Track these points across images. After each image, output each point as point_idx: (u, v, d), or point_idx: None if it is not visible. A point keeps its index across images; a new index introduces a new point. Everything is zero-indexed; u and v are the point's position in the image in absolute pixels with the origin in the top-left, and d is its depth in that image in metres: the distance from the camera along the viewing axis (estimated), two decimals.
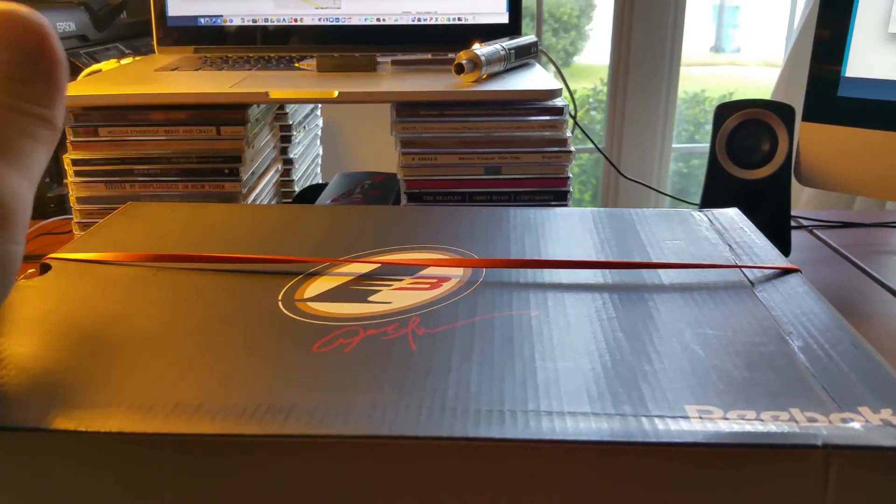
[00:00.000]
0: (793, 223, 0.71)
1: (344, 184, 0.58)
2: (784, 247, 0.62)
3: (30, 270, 0.62)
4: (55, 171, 0.85)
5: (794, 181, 0.61)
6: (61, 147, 0.87)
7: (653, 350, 0.25)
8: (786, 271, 0.31)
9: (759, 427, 0.20)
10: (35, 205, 0.75)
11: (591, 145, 1.80)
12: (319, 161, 0.75)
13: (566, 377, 0.23)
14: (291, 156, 0.63)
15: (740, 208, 0.61)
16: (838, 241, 0.66)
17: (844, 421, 0.21)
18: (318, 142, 0.74)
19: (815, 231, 0.70)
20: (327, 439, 0.20)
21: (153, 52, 0.67)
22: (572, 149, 0.47)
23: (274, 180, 0.60)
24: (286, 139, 0.62)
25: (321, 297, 0.30)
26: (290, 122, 0.62)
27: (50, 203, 0.84)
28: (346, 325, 0.28)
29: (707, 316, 0.27)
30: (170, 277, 0.32)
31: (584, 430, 0.20)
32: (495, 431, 0.20)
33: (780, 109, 0.60)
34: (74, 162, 0.48)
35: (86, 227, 0.51)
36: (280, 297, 0.30)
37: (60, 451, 0.21)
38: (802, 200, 1.23)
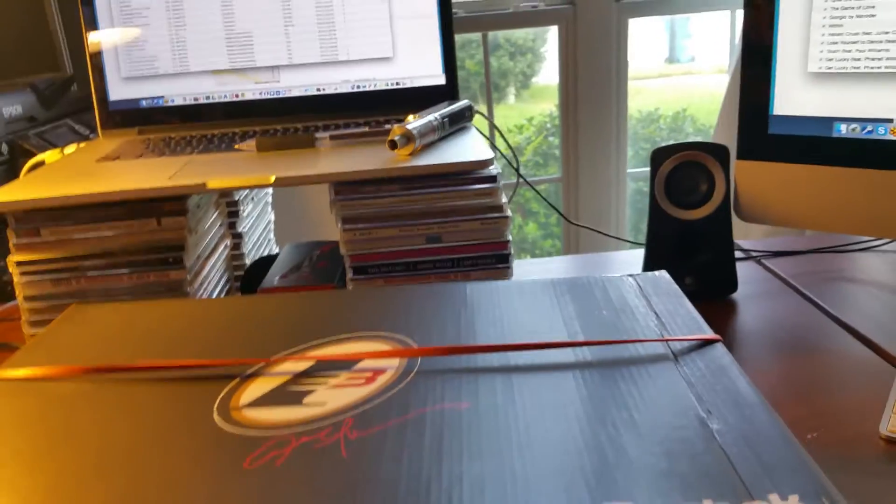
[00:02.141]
0: (741, 254, 0.72)
1: (292, 256, 0.59)
2: (730, 282, 0.64)
3: None
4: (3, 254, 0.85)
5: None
6: (3, 231, 0.86)
7: (573, 441, 0.26)
8: (708, 342, 0.32)
9: None
10: None
11: (550, 174, 1.82)
12: (272, 227, 0.75)
13: (491, 481, 0.24)
14: (240, 230, 0.63)
15: (684, 247, 0.63)
16: (787, 271, 0.68)
17: None
18: (270, 208, 0.75)
19: (762, 261, 0.71)
20: None
21: (82, 143, 0.68)
22: (509, 214, 0.48)
23: (224, 256, 0.60)
24: (234, 214, 0.63)
25: (257, 403, 0.30)
26: (237, 198, 0.63)
27: (7, 286, 0.83)
28: (280, 433, 0.28)
29: (630, 396, 0.28)
30: (109, 392, 0.32)
31: None
32: None
33: (714, 150, 0.62)
34: (19, 263, 0.48)
35: (36, 325, 0.51)
36: (216, 406, 0.30)
37: None
38: (754, 230, 1.25)
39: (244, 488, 0.25)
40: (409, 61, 0.65)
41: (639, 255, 0.73)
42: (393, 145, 0.48)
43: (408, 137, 0.48)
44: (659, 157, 0.63)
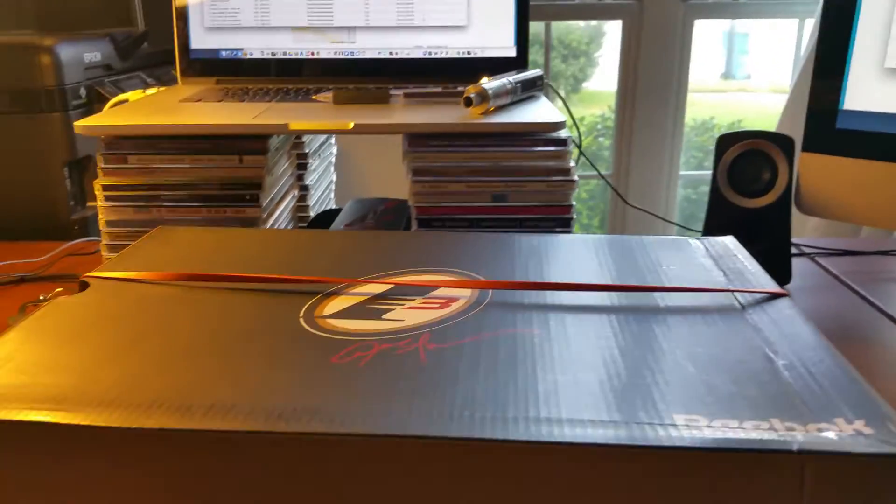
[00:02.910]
0: (795, 251, 0.72)
1: (357, 209, 0.61)
2: (784, 274, 0.64)
3: (57, 290, 0.64)
4: (79, 195, 0.89)
5: (796, 210, 0.63)
6: (86, 171, 0.90)
7: (646, 366, 0.27)
8: (775, 296, 0.33)
9: (740, 434, 0.22)
10: (58, 227, 0.78)
11: (599, 171, 1.82)
12: (333, 187, 0.77)
13: (565, 389, 0.25)
14: (307, 182, 0.65)
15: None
16: (840, 269, 0.68)
17: (820, 430, 0.23)
18: (332, 169, 0.77)
19: (816, 259, 0.71)
20: (347, 437, 0.23)
21: (174, 80, 0.71)
22: (576, 178, 0.50)
23: (290, 206, 0.62)
24: (302, 167, 0.65)
25: (339, 315, 0.32)
26: (307, 151, 0.65)
27: (74, 225, 0.86)
28: (362, 339, 0.30)
29: (699, 336, 0.29)
30: (199, 296, 0.34)
31: (579, 434, 0.22)
32: (499, 434, 0.22)
33: (780, 140, 0.62)
34: (105, 187, 0.51)
35: (114, 249, 0.53)
36: (301, 314, 0.32)
37: (105, 447, 0.23)
38: (808, 228, 1.25)
39: (331, 380, 0.26)
40: (482, 31, 0.67)
41: None
42: (468, 102, 0.50)
43: (482, 96, 0.50)
44: (724, 143, 0.64)
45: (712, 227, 0.64)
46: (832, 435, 0.22)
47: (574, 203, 0.50)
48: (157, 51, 1.08)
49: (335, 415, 0.24)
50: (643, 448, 0.22)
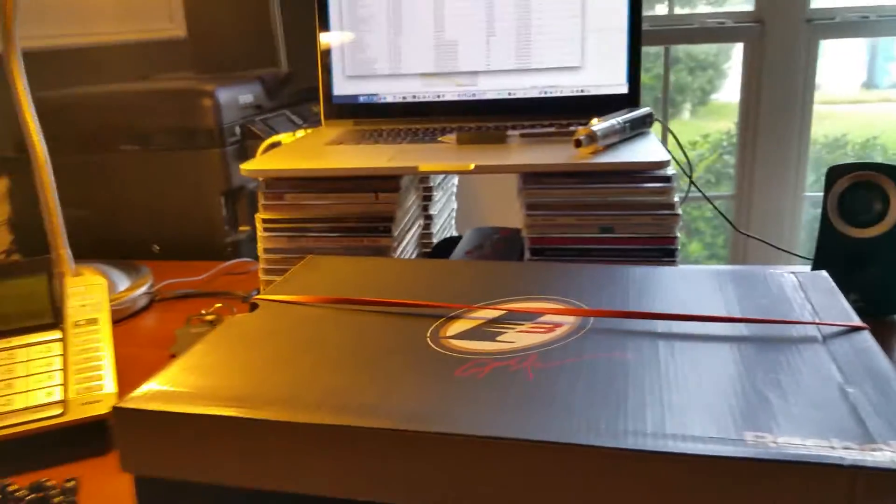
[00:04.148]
0: None
1: (475, 238, 0.67)
2: (891, 305, 0.64)
3: (217, 305, 0.74)
4: (232, 221, 1.01)
5: None
6: (238, 200, 1.01)
7: (725, 389, 0.31)
8: (855, 329, 0.36)
9: (800, 450, 0.26)
10: (215, 248, 0.89)
11: (721, 192, 1.79)
12: (454, 215, 0.84)
13: (651, 406, 0.30)
14: (432, 213, 0.72)
15: (851, 264, 0.64)
16: None
17: (874, 450, 0.26)
18: (454, 198, 0.84)
19: None
20: (469, 438, 0.28)
21: (314, 116, 0.80)
22: (679, 212, 0.53)
23: (417, 234, 0.69)
24: (427, 198, 0.72)
25: (459, 336, 0.38)
26: (432, 185, 0.72)
27: (228, 247, 0.98)
28: (479, 357, 0.36)
29: (778, 364, 0.33)
30: (345, 317, 0.42)
31: (659, 445, 0.27)
32: (589, 441, 0.28)
33: (890, 171, 0.63)
34: (264, 220, 0.60)
35: (269, 272, 0.62)
36: (428, 335, 0.39)
37: (281, 438, 0.31)
38: None
39: (455, 390, 0.32)
40: (595, 70, 0.72)
41: (807, 269, 0.74)
42: (578, 143, 0.55)
43: (591, 137, 0.55)
44: (834, 174, 0.65)
45: (822, 257, 0.66)
46: (886, 454, 0.26)
47: (678, 235, 0.54)
48: (299, 89, 1.20)
49: (460, 419, 0.29)
50: (713, 458, 0.26)
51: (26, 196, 0.95)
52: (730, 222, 0.76)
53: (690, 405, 0.30)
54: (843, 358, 0.33)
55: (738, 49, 1.49)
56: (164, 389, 0.34)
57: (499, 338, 0.38)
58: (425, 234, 0.73)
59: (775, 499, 0.26)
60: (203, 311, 0.71)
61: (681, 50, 2.36)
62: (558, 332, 0.38)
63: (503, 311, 0.41)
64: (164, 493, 0.34)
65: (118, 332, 0.73)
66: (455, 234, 0.84)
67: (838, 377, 0.32)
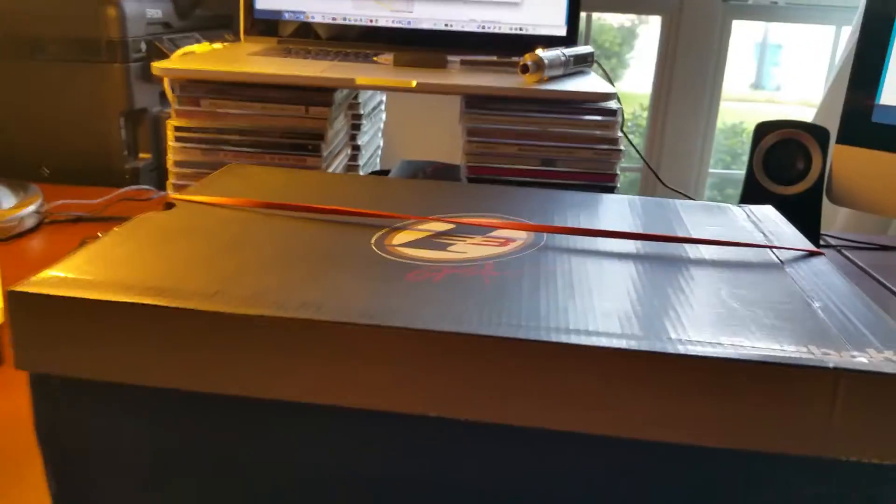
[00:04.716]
0: (823, 242, 0.74)
1: (407, 169, 0.64)
2: None
3: (115, 228, 0.68)
4: (132, 146, 0.92)
5: (827, 204, 0.66)
6: (140, 124, 0.93)
7: (694, 301, 0.30)
8: (812, 254, 0.36)
9: (779, 353, 0.25)
10: (112, 174, 0.82)
11: (628, 164, 1.83)
12: (379, 152, 0.80)
13: (616, 312, 0.28)
14: (360, 143, 0.68)
15: None
16: (866, 262, 0.70)
17: (853, 356, 0.25)
18: (380, 134, 0.80)
19: (843, 251, 0.73)
20: (427, 334, 0.26)
21: (227, 42, 0.74)
22: (622, 147, 0.52)
23: (343, 163, 0.65)
24: (356, 127, 0.68)
25: (408, 245, 0.35)
26: (361, 112, 0.68)
27: (126, 174, 0.90)
28: (432, 264, 0.33)
29: (741, 281, 0.32)
30: (277, 221, 0.37)
31: (633, 344, 0.25)
32: (545, 337, 0.25)
33: (815, 131, 0.65)
34: (176, 128, 0.54)
35: (179, 189, 0.57)
36: (372, 242, 0.35)
37: (205, 333, 0.27)
38: (837, 223, 1.26)
39: (408, 292, 0.29)
40: (534, 8, 0.69)
41: None
42: (524, 69, 0.52)
43: (538, 64, 0.53)
44: (762, 131, 0.66)
45: None
46: (864, 360, 0.25)
47: (619, 172, 0.53)
48: (211, 14, 1.11)
49: (416, 317, 0.26)
50: (692, 358, 0.25)
51: None
52: (657, 175, 0.76)
53: (660, 313, 0.28)
54: (804, 278, 0.33)
55: (642, 39, 1.53)
56: (68, 276, 0.29)
57: (450, 248, 0.35)
58: (352, 165, 0.69)
59: (757, 402, 0.25)
60: (99, 234, 0.65)
61: (590, 34, 2.40)
62: (511, 245, 0.36)
63: (452, 225, 0.38)
64: (63, 392, 0.29)
65: (2, 251, 0.66)
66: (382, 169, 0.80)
67: (802, 294, 0.31)
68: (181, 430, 0.29)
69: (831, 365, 0.24)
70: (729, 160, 2.10)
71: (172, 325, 0.27)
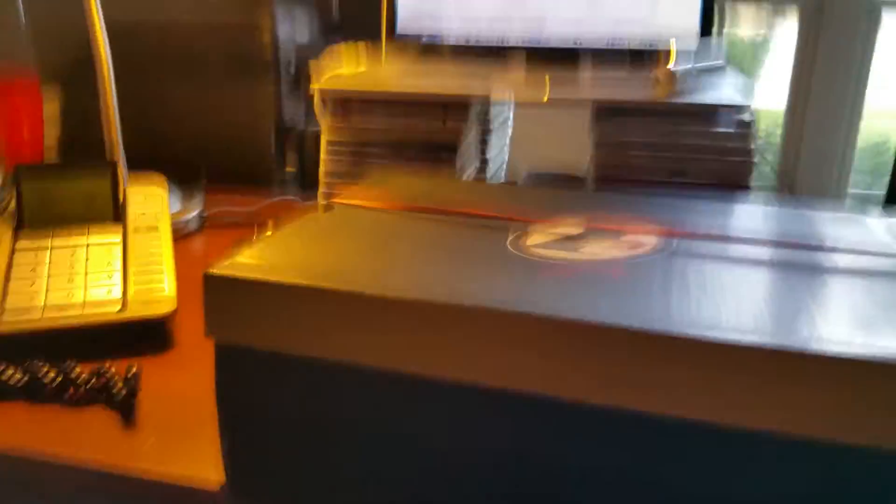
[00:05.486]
0: None
1: (533, 182, 0.66)
2: None
3: (269, 233, 0.74)
4: (280, 157, 1.01)
5: None
6: (287, 140, 1.01)
7: (825, 304, 0.31)
8: None
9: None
10: (262, 184, 0.89)
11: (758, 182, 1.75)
12: (505, 166, 0.84)
13: (752, 309, 0.30)
14: (488, 156, 0.72)
15: None
16: None
17: None
18: (506, 148, 0.83)
19: None
20: (561, 322, 0.28)
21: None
22: (756, 160, 0.53)
23: (472, 176, 0.69)
24: (485, 141, 0.71)
25: (541, 246, 0.38)
26: (491, 127, 0.71)
27: (275, 184, 0.99)
28: (564, 263, 0.35)
29: (876, 287, 0.33)
30: (421, 223, 0.41)
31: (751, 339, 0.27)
32: (682, 331, 0.27)
33: None
34: (329, 142, 0.60)
35: (328, 196, 0.62)
36: (508, 243, 0.38)
37: (374, 314, 0.30)
38: None
39: (543, 286, 0.32)
40: (666, 22, 0.70)
41: None
42: (656, 81, 0.54)
43: (670, 75, 0.54)
44: None
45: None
46: None
47: (752, 185, 0.53)
48: (349, 39, 1.20)
49: (551, 307, 0.29)
50: (825, 357, 0.26)
51: (77, 118, 0.96)
52: (789, 189, 0.75)
53: (793, 314, 0.29)
54: None
55: (776, 44, 1.47)
56: (251, 263, 0.34)
57: (581, 249, 0.38)
58: (479, 177, 0.72)
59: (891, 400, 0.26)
60: (256, 235, 0.72)
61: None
62: (642, 249, 0.38)
63: (583, 228, 0.41)
64: (244, 362, 0.34)
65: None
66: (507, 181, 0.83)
67: None
68: (343, 400, 0.33)
69: None
70: (871, 181, 1.98)
71: (339, 306, 0.31)
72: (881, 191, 1.61)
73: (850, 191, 1.61)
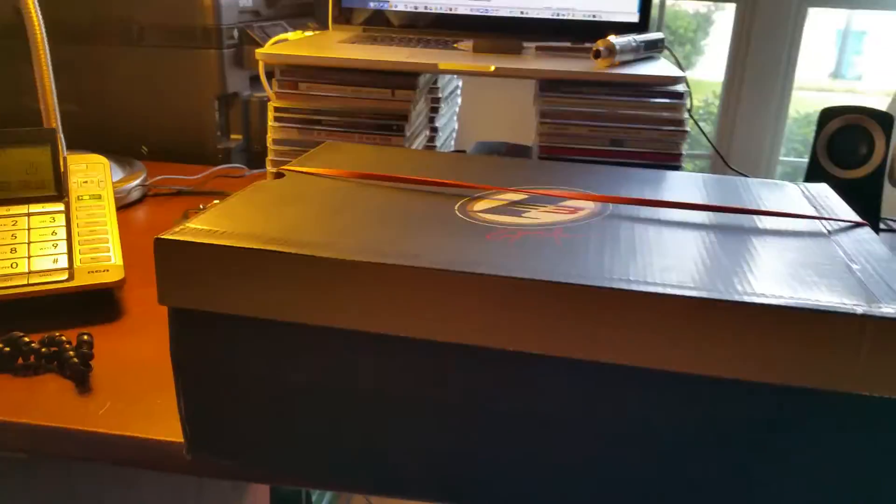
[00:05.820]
0: (884, 226, 0.76)
1: (481, 150, 0.68)
2: None
3: (214, 201, 0.74)
4: (224, 127, 1.00)
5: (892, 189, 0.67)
6: (231, 107, 1.00)
7: (743, 259, 0.33)
8: (857, 225, 0.39)
9: (814, 302, 0.29)
10: (205, 154, 0.89)
11: (698, 151, 1.82)
12: (454, 135, 0.85)
13: (675, 267, 0.32)
14: (437, 125, 0.73)
15: None
16: None
17: (881, 307, 0.29)
18: (456, 118, 0.84)
19: None
20: (507, 279, 0.30)
21: (312, 30, 0.79)
22: (688, 129, 0.55)
23: (422, 144, 0.70)
24: (435, 110, 0.73)
25: (487, 211, 0.40)
26: (440, 96, 0.72)
27: (218, 153, 0.98)
28: (508, 227, 0.37)
29: (789, 246, 0.36)
30: (371, 190, 0.43)
31: (685, 291, 0.29)
32: (622, 285, 0.30)
33: (879, 116, 0.66)
34: (276, 109, 0.60)
35: (277, 165, 0.63)
36: (456, 208, 0.40)
37: (323, 276, 0.32)
38: None
39: (488, 249, 0.34)
40: None
41: None
42: (597, 54, 0.56)
43: (610, 50, 0.56)
44: (826, 116, 0.68)
45: None
46: (891, 310, 0.28)
47: (683, 153, 0.56)
48: (296, 2, 1.18)
49: (496, 267, 0.31)
50: (733, 303, 0.28)
51: (10, 86, 0.93)
52: (723, 159, 0.78)
53: (711, 269, 0.32)
54: (847, 246, 0.36)
55: (717, 26, 1.51)
56: (202, 228, 0.35)
57: (524, 215, 0.40)
58: (430, 146, 0.74)
59: (793, 343, 0.28)
60: (201, 206, 0.71)
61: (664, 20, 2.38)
62: (580, 213, 0.40)
63: (526, 195, 0.43)
64: (199, 325, 0.35)
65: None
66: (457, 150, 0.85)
67: (844, 258, 0.34)
68: (298, 360, 0.34)
69: (860, 312, 0.28)
70: (802, 150, 2.07)
71: (292, 269, 0.33)
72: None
73: (782, 159, 1.68)
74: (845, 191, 0.68)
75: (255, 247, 0.33)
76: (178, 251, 0.34)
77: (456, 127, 0.85)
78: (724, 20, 1.55)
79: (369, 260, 0.32)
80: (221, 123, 0.99)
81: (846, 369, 0.28)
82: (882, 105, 1.47)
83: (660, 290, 0.29)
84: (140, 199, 0.79)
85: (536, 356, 0.31)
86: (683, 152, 0.56)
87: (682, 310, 0.29)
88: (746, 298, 0.29)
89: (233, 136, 1.02)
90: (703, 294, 0.29)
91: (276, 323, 0.34)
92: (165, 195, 0.81)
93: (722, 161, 1.52)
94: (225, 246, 0.33)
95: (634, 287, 0.30)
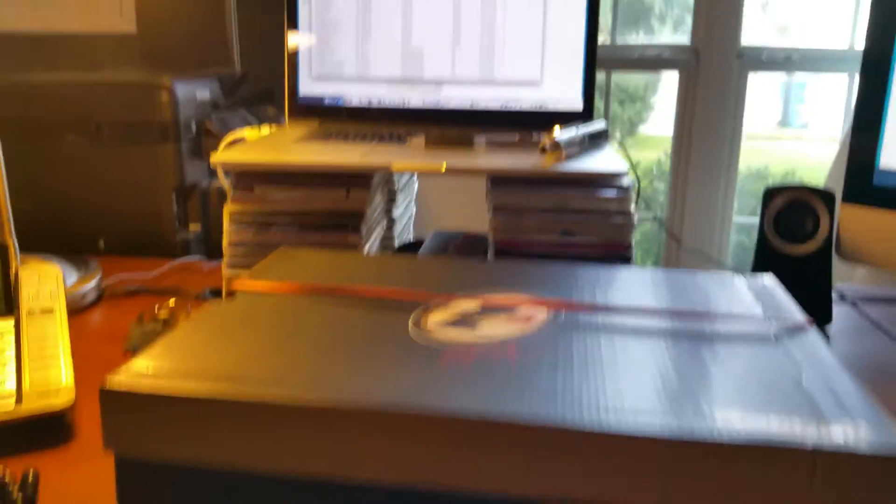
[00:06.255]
0: (837, 295, 0.78)
1: (438, 241, 0.69)
2: (826, 315, 0.69)
3: (170, 302, 0.72)
4: (183, 218, 0.99)
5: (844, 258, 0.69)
6: (189, 198, 1.00)
7: (694, 379, 0.34)
8: (802, 326, 0.40)
9: (764, 431, 0.29)
10: (164, 245, 0.88)
11: (654, 214, 1.87)
12: (412, 220, 0.86)
13: (629, 390, 0.32)
14: (394, 216, 0.74)
15: (787, 280, 0.69)
16: (881, 315, 0.73)
17: (831, 431, 0.29)
18: (413, 203, 0.85)
19: (858, 304, 0.76)
20: (460, 421, 0.30)
21: (270, 117, 0.80)
22: (635, 222, 0.57)
23: (380, 235, 0.71)
24: (391, 201, 0.74)
25: (441, 324, 0.40)
26: (396, 188, 0.73)
27: (177, 245, 0.97)
28: (461, 346, 0.37)
29: (740, 355, 0.36)
30: (324, 306, 0.43)
31: (640, 423, 0.29)
32: (574, 422, 0.30)
33: (821, 194, 0.68)
34: (232, 213, 0.60)
35: (234, 266, 0.62)
36: (409, 324, 0.40)
37: (274, 420, 0.32)
38: (857, 275, 1.28)
39: (443, 377, 0.34)
40: (553, 86, 0.75)
41: None
42: (543, 150, 0.58)
43: (556, 146, 0.58)
44: (770, 195, 0.70)
45: (760, 272, 0.70)
46: (841, 438, 0.29)
47: (633, 243, 0.57)
48: (255, 91, 1.20)
49: (452, 403, 0.31)
50: (685, 442, 0.29)
51: None
52: (674, 237, 0.80)
53: (664, 389, 0.32)
54: (795, 352, 0.37)
55: (665, 82, 1.58)
56: (148, 371, 0.34)
57: (478, 327, 0.40)
58: (387, 236, 0.74)
59: (735, 480, 0.29)
60: (157, 307, 0.70)
61: (613, 82, 2.48)
62: (533, 323, 0.40)
63: (479, 303, 0.43)
64: (146, 474, 0.34)
65: (68, 326, 0.71)
66: (412, 238, 0.86)
67: (791, 370, 0.35)
68: None
69: (810, 444, 0.28)
70: (754, 204, 2.13)
71: (238, 416, 0.32)
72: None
73: (736, 218, 1.72)
74: (796, 266, 0.70)
75: (197, 394, 0.32)
76: (122, 401, 0.33)
77: (414, 211, 0.86)
78: (672, 78, 1.61)
79: (317, 403, 0.31)
80: (180, 215, 0.99)
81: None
82: (831, 152, 1.53)
83: (613, 427, 0.29)
84: (96, 301, 0.78)
85: (489, 494, 0.31)
86: (632, 243, 0.57)
87: (635, 449, 0.29)
88: (697, 435, 0.29)
89: (191, 227, 1.01)
90: (655, 431, 0.29)
91: (223, 472, 0.33)
92: (122, 296, 0.80)
93: (675, 227, 1.54)
94: (167, 395, 0.33)
95: (588, 427, 0.30)
